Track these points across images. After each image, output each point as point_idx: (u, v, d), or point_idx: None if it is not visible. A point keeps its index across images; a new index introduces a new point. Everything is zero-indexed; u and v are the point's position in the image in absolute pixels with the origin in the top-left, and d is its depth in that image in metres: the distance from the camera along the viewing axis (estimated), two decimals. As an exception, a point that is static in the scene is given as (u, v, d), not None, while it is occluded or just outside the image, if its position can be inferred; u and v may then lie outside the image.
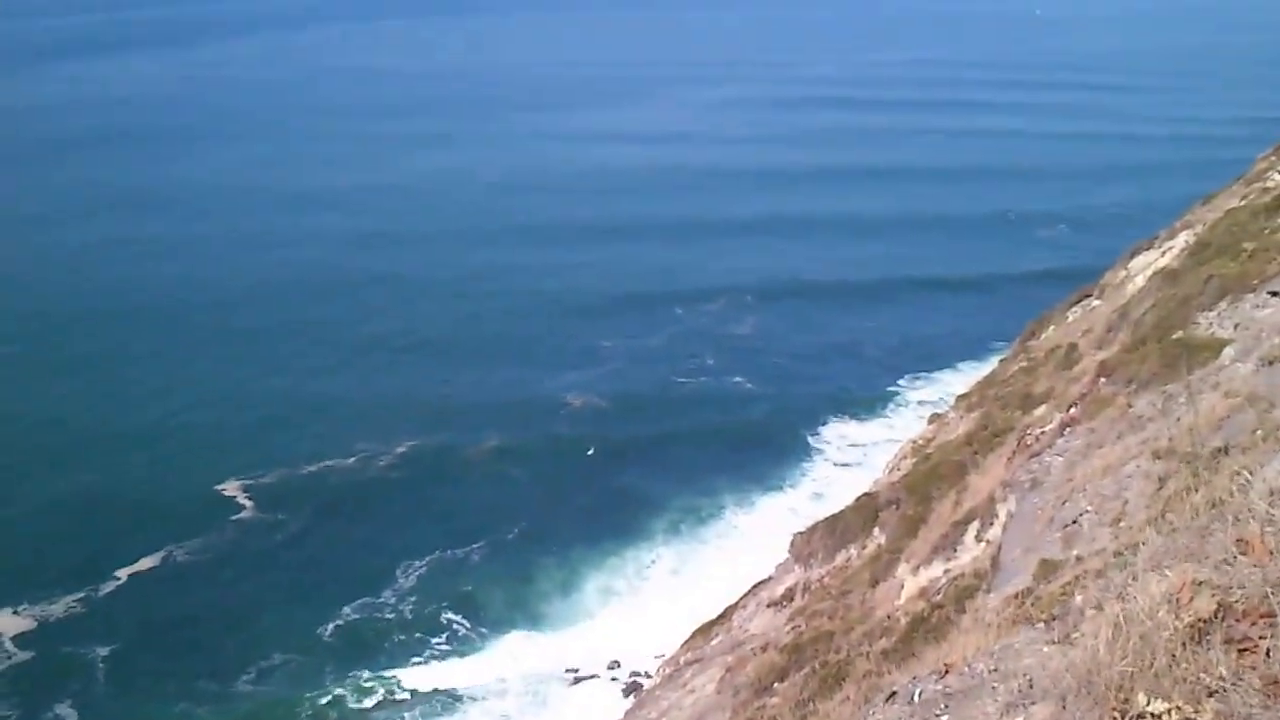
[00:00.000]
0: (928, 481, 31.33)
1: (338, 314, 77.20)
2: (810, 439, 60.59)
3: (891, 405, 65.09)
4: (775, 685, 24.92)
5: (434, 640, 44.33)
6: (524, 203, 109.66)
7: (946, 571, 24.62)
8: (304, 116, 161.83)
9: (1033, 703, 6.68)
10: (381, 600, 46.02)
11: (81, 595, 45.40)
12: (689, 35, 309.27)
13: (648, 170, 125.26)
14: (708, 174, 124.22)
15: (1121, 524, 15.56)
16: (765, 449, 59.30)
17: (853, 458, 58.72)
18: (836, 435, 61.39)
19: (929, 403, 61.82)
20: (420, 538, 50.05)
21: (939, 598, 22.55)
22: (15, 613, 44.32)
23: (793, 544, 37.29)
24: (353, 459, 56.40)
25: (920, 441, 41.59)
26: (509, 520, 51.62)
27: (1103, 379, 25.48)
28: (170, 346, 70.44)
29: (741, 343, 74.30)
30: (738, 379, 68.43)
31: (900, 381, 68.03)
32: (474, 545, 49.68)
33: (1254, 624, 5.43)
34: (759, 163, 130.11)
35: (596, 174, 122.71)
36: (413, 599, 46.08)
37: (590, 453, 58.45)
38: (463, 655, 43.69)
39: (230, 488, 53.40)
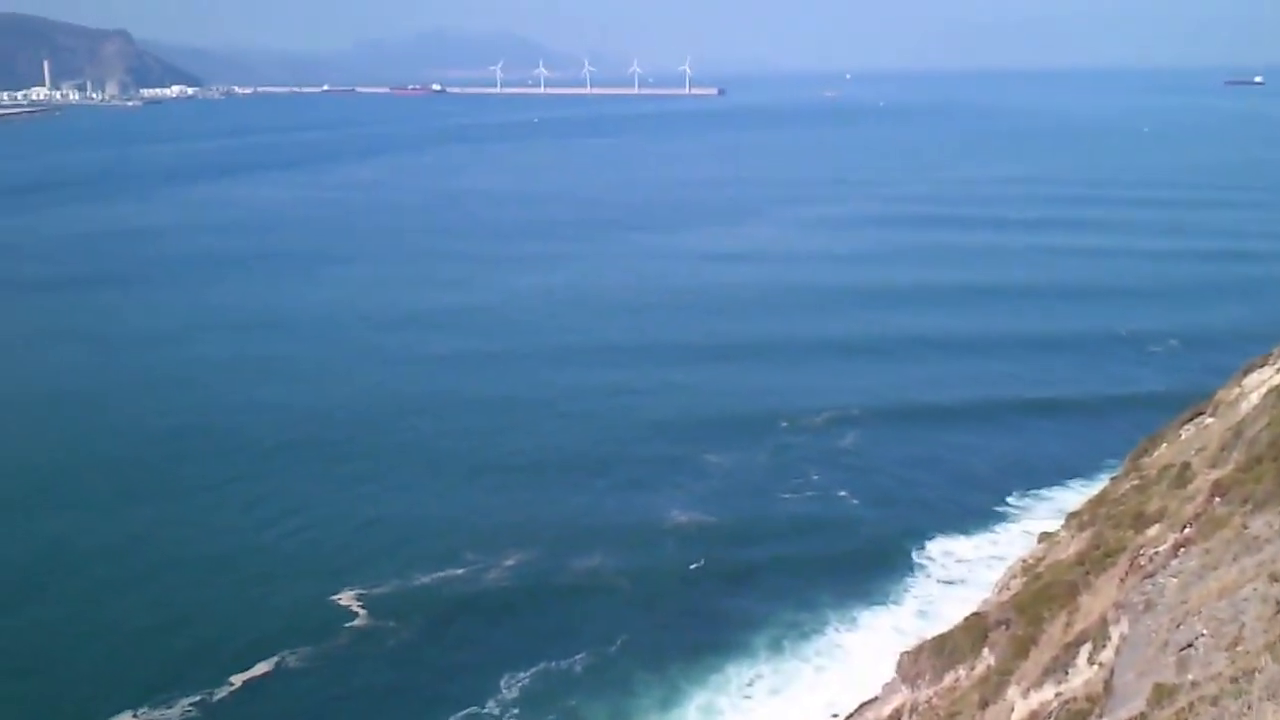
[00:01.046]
0: (1038, 601, 30.98)
1: (447, 432, 78.93)
2: (915, 555, 59.80)
3: (999, 523, 64.01)
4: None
5: (537, 753, 44.49)
6: (630, 322, 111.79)
7: (1058, 695, 24.30)
8: (420, 237, 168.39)
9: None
10: (486, 711, 46.37)
11: (197, 699, 46.68)
12: (787, 155, 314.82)
13: (751, 289, 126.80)
14: (810, 292, 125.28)
15: (1238, 649, 15.47)
16: (869, 565, 58.71)
17: (959, 575, 57.72)
18: (941, 552, 60.46)
19: (1038, 520, 60.66)
20: (525, 649, 50.47)
21: (1051, 721, 22.27)
22: (134, 715, 45.69)
23: (900, 664, 36.90)
24: (461, 571, 57.36)
25: (1030, 560, 41.04)
26: (612, 634, 51.77)
27: (1217, 498, 25.22)
28: (288, 464, 72.89)
29: (845, 460, 73.97)
30: (841, 494, 68.09)
31: (1008, 499, 66.98)
32: (577, 658, 49.89)
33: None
34: (860, 281, 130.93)
35: (701, 293, 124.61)
36: (516, 710, 46.35)
37: (693, 568, 58.44)
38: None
39: (345, 597, 54.92)
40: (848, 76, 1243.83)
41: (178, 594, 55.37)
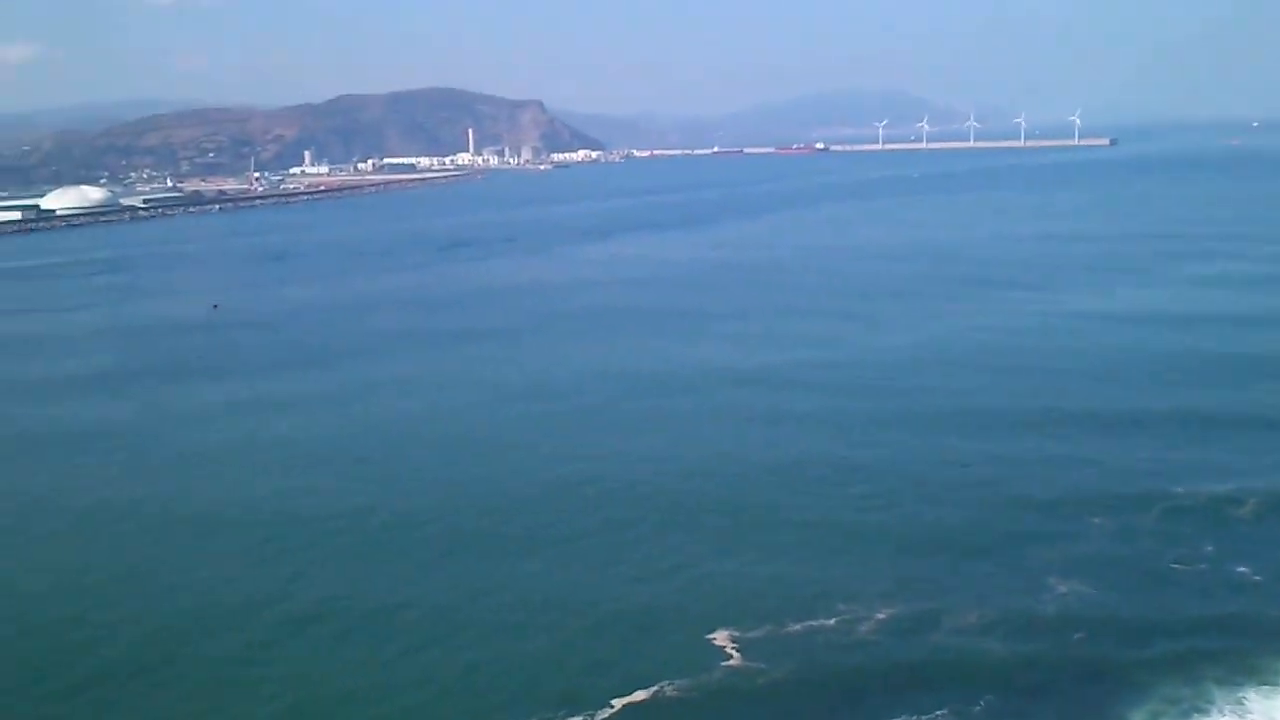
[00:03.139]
0: None
1: (808, 492, 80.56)
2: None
3: None
4: None
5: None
6: (1003, 384, 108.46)
7: None
8: (792, 295, 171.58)
9: None
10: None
11: (579, 718, 51.05)
12: (1181, 206, 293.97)
13: (1137, 352, 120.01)
14: (1206, 358, 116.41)
15: None
16: (1257, 637, 54.75)
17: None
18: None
19: None
20: (886, 701, 51.52)
21: None
22: (536, 721, 50.70)
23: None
24: (832, 621, 58.61)
25: None
26: (987, 689, 51.58)
27: None
28: (662, 514, 77.47)
29: (1247, 530, 68.86)
30: (1241, 570, 63.40)
31: None
32: (939, 714, 49.90)
33: None
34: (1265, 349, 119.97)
35: (1081, 356, 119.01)
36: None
37: (1078, 638, 56.48)
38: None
39: (720, 638, 57.68)
40: (1255, 124, 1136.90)
41: (571, 622, 60.44)
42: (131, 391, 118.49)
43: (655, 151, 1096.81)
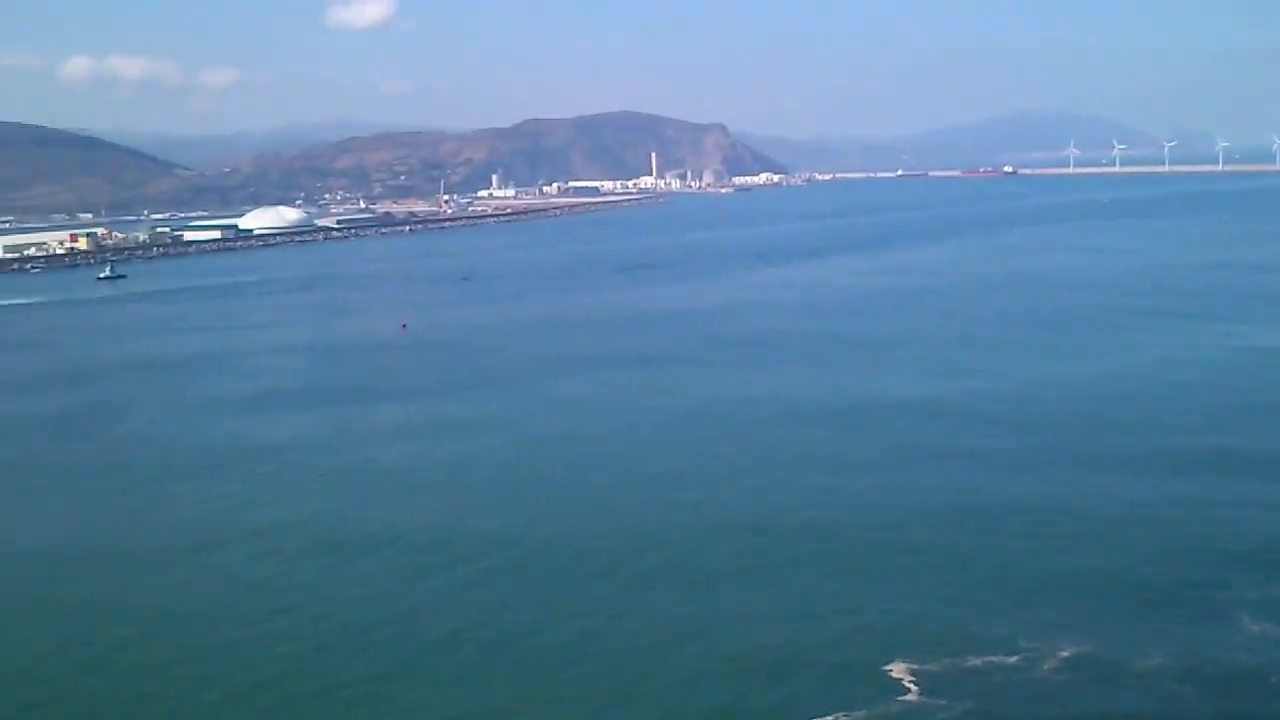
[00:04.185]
0: None
1: (987, 531, 75.86)
2: None
3: None
4: None
5: None
6: (1202, 423, 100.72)
7: None
8: (971, 325, 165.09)
9: None
10: None
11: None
12: None
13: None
14: None
15: None
16: None
17: None
18: None
19: None
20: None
21: None
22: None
23: None
24: (1014, 659, 55.87)
25: None
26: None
27: None
28: (840, 549, 73.94)
29: None
30: None
31: None
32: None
33: None
34: None
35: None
36: None
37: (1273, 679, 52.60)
38: None
39: (896, 669, 55.52)
40: None
41: (743, 648, 58.62)
42: (313, 410, 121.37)
43: (838, 175, 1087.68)
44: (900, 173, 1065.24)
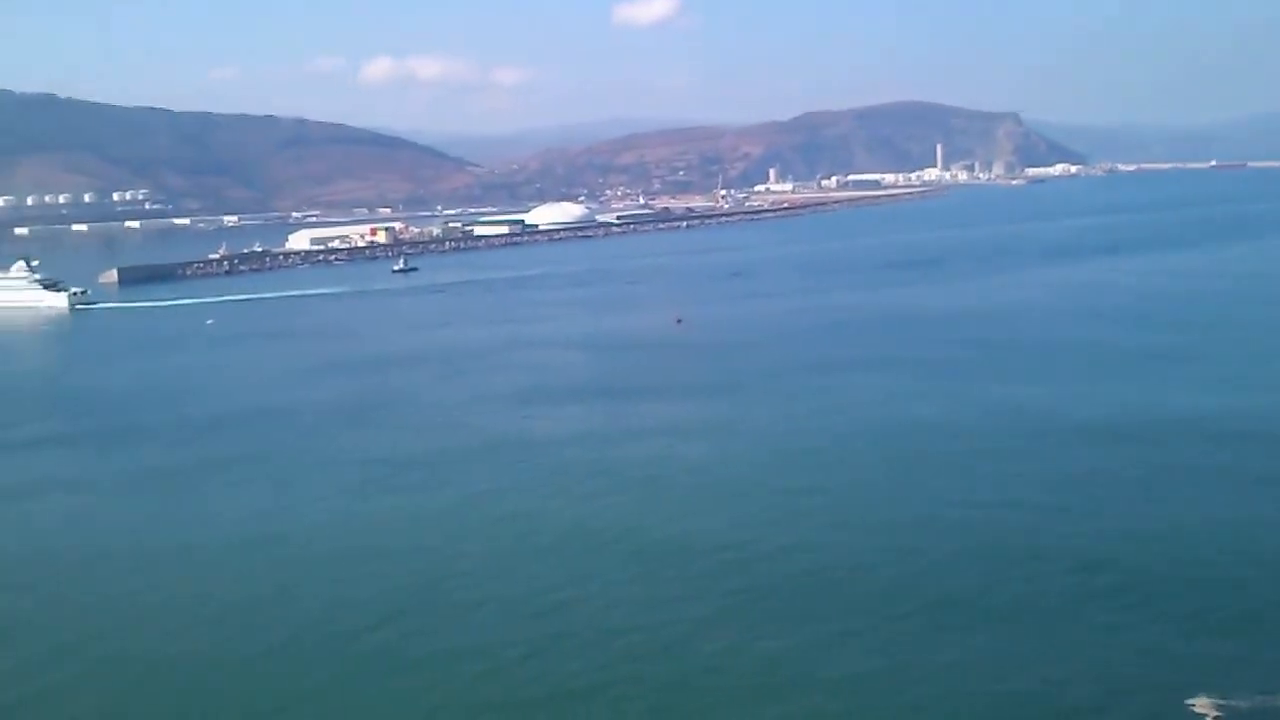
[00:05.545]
0: None
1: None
2: None
3: None
4: None
5: None
6: None
7: None
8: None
9: None
10: None
11: None
12: None
13: None
14: None
15: None
16: None
17: None
18: None
19: None
20: None
21: None
22: None
23: None
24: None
25: None
26: None
27: None
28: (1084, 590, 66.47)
29: None
30: None
31: None
32: None
33: None
34: None
35: None
36: None
37: None
38: None
39: (1200, 704, 49.93)
40: None
41: (1030, 685, 52.86)
42: (576, 408, 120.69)
43: (1142, 165, 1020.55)
44: (1214, 163, 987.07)
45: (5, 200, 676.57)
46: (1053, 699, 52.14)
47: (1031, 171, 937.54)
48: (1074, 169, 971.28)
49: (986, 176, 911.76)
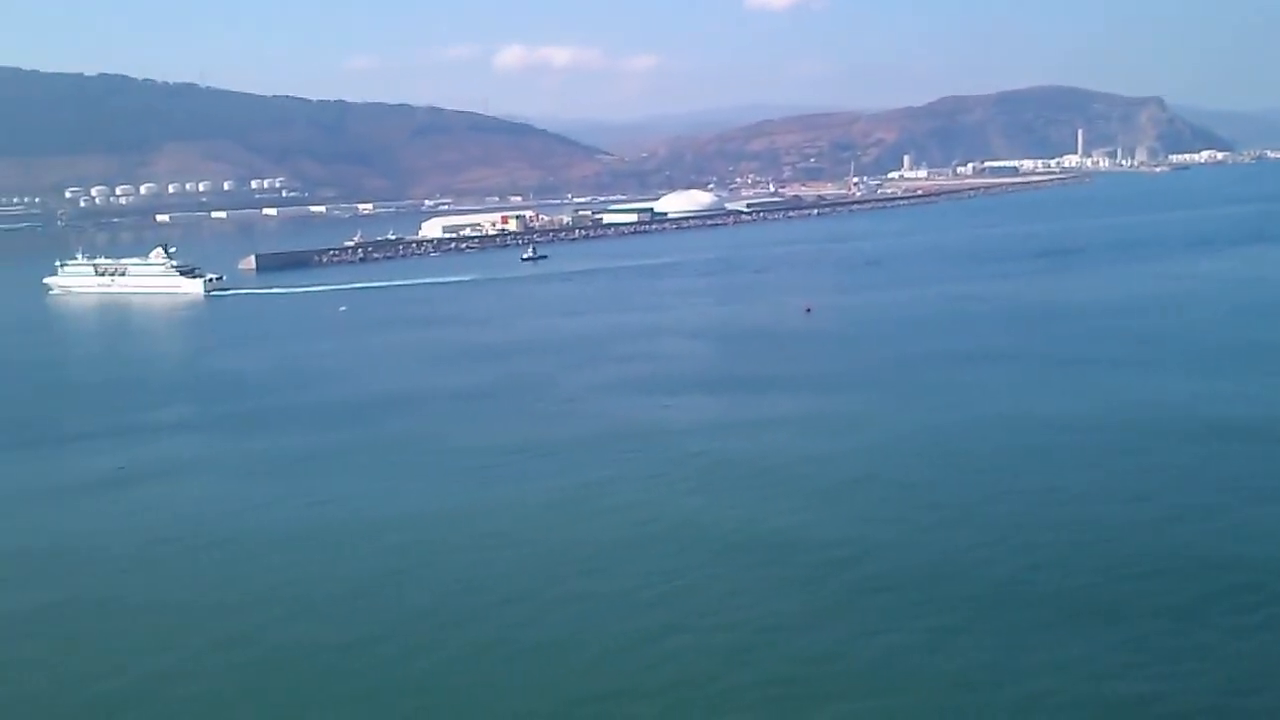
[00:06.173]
0: None
1: None
2: None
3: None
4: None
5: None
6: None
7: None
8: None
9: None
10: None
11: None
12: None
13: None
14: None
15: None
16: None
17: None
18: None
19: None
20: None
21: None
22: None
23: None
24: None
25: None
26: None
27: None
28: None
29: None
30: None
31: None
32: None
33: None
34: None
35: None
36: None
37: None
38: None
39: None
40: None
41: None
42: (699, 398, 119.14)
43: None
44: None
45: (147, 188, 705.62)
46: (1174, 700, 49.28)
47: (1175, 158, 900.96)
48: (1220, 155, 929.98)
49: (1129, 163, 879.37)
